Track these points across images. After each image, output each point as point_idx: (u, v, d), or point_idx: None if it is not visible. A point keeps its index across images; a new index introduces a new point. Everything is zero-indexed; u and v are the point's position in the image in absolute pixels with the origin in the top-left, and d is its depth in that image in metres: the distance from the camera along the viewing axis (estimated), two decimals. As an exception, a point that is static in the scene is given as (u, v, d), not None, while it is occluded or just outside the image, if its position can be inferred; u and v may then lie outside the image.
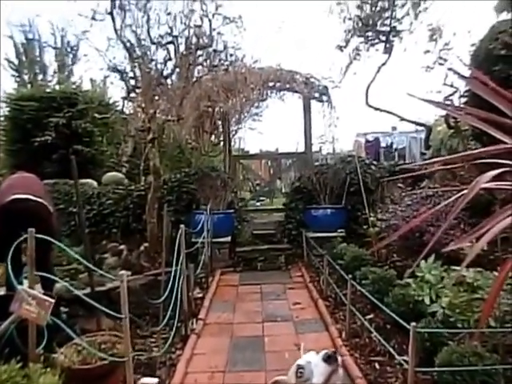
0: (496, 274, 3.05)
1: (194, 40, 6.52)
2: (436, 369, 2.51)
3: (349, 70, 8.70)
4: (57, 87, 11.84)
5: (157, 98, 6.46)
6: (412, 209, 4.80)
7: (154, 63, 6.56)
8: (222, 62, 6.99)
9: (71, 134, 8.11)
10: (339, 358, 1.51)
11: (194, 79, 6.65)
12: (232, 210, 7.05)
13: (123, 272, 2.60)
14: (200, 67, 6.95)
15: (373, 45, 8.53)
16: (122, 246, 5.99)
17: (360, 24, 8.28)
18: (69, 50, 15.48)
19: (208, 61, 6.88)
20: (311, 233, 6.60)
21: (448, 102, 7.43)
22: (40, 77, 15.70)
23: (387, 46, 8.41)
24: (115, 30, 6.19)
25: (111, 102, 10.46)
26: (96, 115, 8.43)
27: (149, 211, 6.13)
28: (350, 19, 8.35)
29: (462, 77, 2.77)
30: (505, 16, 6.08)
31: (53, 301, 2.16)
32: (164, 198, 6.66)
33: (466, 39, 9.70)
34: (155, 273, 5.01)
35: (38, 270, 2.49)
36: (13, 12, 19.39)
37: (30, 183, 3.66)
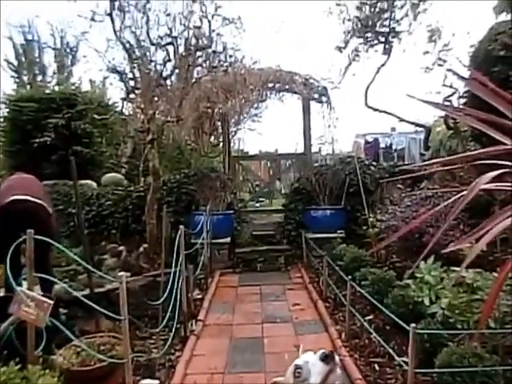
0: (495, 274, 3.05)
1: (194, 41, 6.52)
2: (436, 370, 2.51)
3: (348, 70, 8.72)
4: (56, 88, 11.83)
5: (156, 98, 6.45)
6: (411, 210, 4.80)
7: (153, 64, 6.55)
8: (222, 63, 6.99)
9: (70, 135, 8.10)
10: (336, 358, 1.51)
11: (194, 80, 6.65)
12: (231, 211, 7.04)
13: (122, 273, 2.60)
14: (199, 68, 6.95)
15: (372, 46, 8.54)
16: (121, 247, 5.98)
17: (359, 25, 8.29)
18: (68, 50, 15.50)
19: (207, 62, 6.88)
20: (311, 234, 6.60)
21: (447, 103, 7.45)
22: (39, 78, 15.72)
23: (386, 46, 8.42)
24: (114, 31, 6.19)
25: (110, 102, 10.46)
26: (95, 116, 8.42)
27: (148, 212, 6.13)
28: (349, 20, 8.37)
29: (462, 78, 2.77)
30: (504, 17, 6.10)
31: (52, 302, 2.16)
32: (163, 199, 6.65)
33: (465, 40, 9.77)
34: (154, 274, 5.01)
35: (37, 271, 2.48)
36: (12, 13, 19.37)
37: (29, 184, 3.65)
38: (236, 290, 5.50)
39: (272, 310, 4.61)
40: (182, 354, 3.44)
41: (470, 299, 2.98)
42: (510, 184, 1.43)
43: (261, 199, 10.90)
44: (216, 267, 6.37)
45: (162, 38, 6.49)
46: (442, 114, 7.55)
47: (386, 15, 8.18)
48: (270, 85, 7.82)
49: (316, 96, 8.04)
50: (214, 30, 6.54)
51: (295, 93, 7.91)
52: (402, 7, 8.11)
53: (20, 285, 2.52)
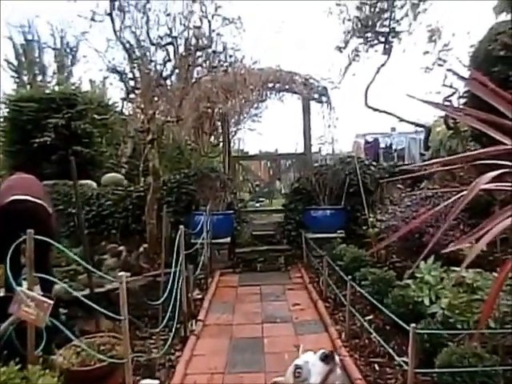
0: (495, 274, 3.05)
1: (194, 41, 6.52)
2: (436, 370, 2.51)
3: (348, 70, 8.72)
4: (56, 88, 11.83)
5: (156, 98, 6.45)
6: (411, 210, 4.80)
7: (153, 64, 6.55)
8: (222, 63, 6.99)
9: (70, 135, 8.10)
10: (336, 358, 1.51)
11: (194, 80, 6.65)
12: (231, 211, 7.04)
13: (122, 273, 2.59)
14: (199, 68, 6.95)
15: (372, 46, 8.54)
16: (121, 247, 5.98)
17: (359, 25, 8.29)
18: (68, 50, 15.50)
19: (207, 62, 6.88)
20: (311, 234, 6.60)
21: (447, 103, 7.45)
22: (39, 78, 15.72)
23: (386, 47, 8.42)
24: (114, 31, 6.19)
25: (110, 102, 10.45)
26: (95, 116, 8.42)
27: (148, 212, 6.13)
28: (349, 20, 8.37)
29: (462, 78, 2.77)
30: (504, 17, 6.10)
31: (52, 302, 2.16)
32: (163, 199, 6.65)
33: (465, 40, 9.77)
34: (154, 274, 5.01)
35: (37, 271, 2.48)
36: (12, 13, 19.36)
37: (29, 184, 3.65)
38: (236, 290, 5.50)
39: (272, 310, 4.61)
40: (181, 354, 3.44)
41: (469, 299, 2.98)
42: (510, 184, 1.43)
43: (261, 199, 10.90)
44: (216, 267, 6.37)
45: (161, 38, 6.49)
46: (442, 114, 7.55)
47: (386, 15, 8.19)
48: (270, 85, 7.82)
49: (316, 96, 8.04)
50: (213, 30, 6.55)
51: (295, 93, 7.91)
52: (402, 7, 8.11)
53: (20, 285, 2.52)
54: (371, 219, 5.73)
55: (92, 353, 2.58)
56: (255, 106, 8.57)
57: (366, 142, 15.17)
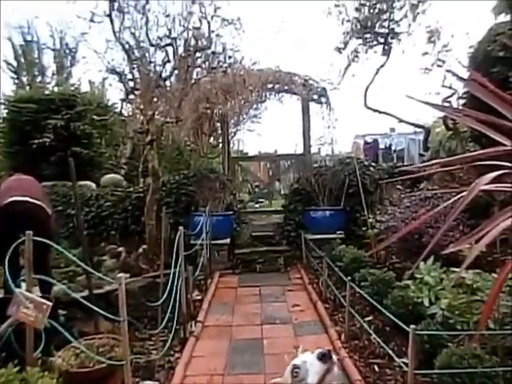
0: (495, 275, 3.05)
1: (193, 42, 6.52)
2: (436, 371, 2.51)
3: (347, 71, 8.74)
4: (55, 89, 11.84)
5: (155, 99, 6.45)
6: (411, 210, 4.80)
7: (152, 65, 6.56)
8: (221, 63, 7.00)
9: (69, 136, 8.10)
10: (334, 357, 1.51)
11: (193, 81, 6.65)
12: (231, 212, 7.04)
13: (121, 274, 2.59)
14: (199, 69, 6.95)
15: (371, 47, 8.56)
16: (120, 248, 5.98)
17: (358, 26, 8.31)
18: (67, 51, 15.49)
19: (207, 63, 6.88)
20: (310, 234, 6.59)
21: (446, 104, 7.46)
22: (38, 79, 15.71)
23: (385, 48, 8.44)
24: (114, 32, 6.19)
25: (110, 103, 10.46)
26: (94, 117, 8.42)
27: (147, 213, 6.12)
28: (348, 21, 8.38)
29: (461, 79, 2.77)
30: (503, 18, 6.11)
31: (50, 304, 2.15)
32: (163, 200, 6.64)
33: (465, 41, 9.80)
34: (154, 275, 5.00)
35: (36, 272, 2.48)
36: (11, 14, 19.38)
37: (28, 185, 3.65)
38: (235, 291, 5.49)
39: (271, 311, 4.61)
40: (181, 355, 3.43)
41: (469, 300, 2.97)
42: (509, 185, 1.42)
43: (260, 200, 10.90)
44: (215, 268, 6.36)
45: (161, 39, 6.50)
46: (442, 114, 7.56)
47: (385, 16, 8.20)
48: (270, 86, 7.82)
49: (315, 97, 8.04)
50: (213, 31, 6.55)
51: (294, 94, 7.91)
52: (401, 8, 8.14)
53: (19, 286, 2.51)
54: (371, 220, 5.73)
55: (91, 354, 2.57)
56: (254, 106, 8.57)
57: (366, 143, 15.19)
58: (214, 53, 6.79)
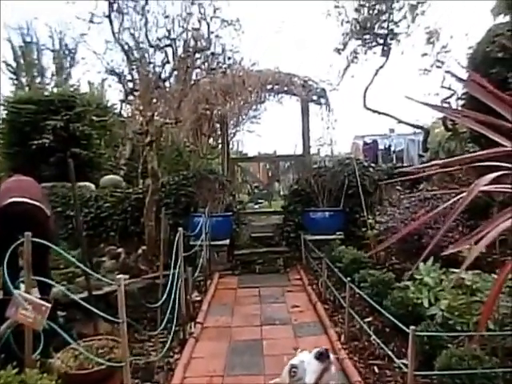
0: (495, 276, 3.05)
1: (192, 43, 6.54)
2: (435, 372, 2.50)
3: (347, 72, 8.74)
4: (55, 90, 11.83)
5: (155, 100, 6.46)
6: (410, 211, 4.80)
7: (151, 66, 6.57)
8: (220, 64, 7.01)
9: (69, 137, 8.09)
10: (331, 356, 1.51)
11: (192, 82, 6.66)
12: (230, 213, 7.03)
13: (121, 276, 2.58)
14: (198, 70, 6.96)
15: (370, 48, 8.57)
16: (119, 249, 5.97)
17: (358, 27, 8.31)
18: (67, 52, 15.48)
19: (206, 64, 6.90)
20: (309, 235, 6.59)
21: (445, 105, 7.46)
22: (38, 80, 15.70)
23: (385, 48, 8.44)
24: (113, 33, 6.20)
25: (109, 104, 10.46)
26: (94, 118, 8.41)
27: (147, 214, 6.12)
28: (347, 22, 8.39)
29: (460, 79, 2.78)
30: (502, 19, 6.11)
31: (49, 305, 2.14)
32: (162, 201, 6.64)
33: (463, 42, 9.81)
34: (153, 276, 4.99)
35: (35, 274, 2.47)
36: (11, 15, 19.38)
37: (27, 186, 3.64)
38: (235, 292, 5.48)
39: (271, 312, 4.60)
40: (180, 356, 3.42)
41: (469, 301, 2.97)
42: (509, 186, 1.42)
43: (260, 201, 10.91)
44: (215, 269, 6.35)
45: (160, 40, 6.52)
46: (441, 115, 7.57)
47: (385, 17, 8.21)
48: (269, 87, 7.82)
49: (315, 98, 8.04)
50: (212, 32, 6.57)
51: (294, 95, 7.91)
52: (400, 9, 8.14)
53: (18, 288, 2.50)
54: (370, 221, 5.73)
55: (90, 356, 2.56)
56: (254, 107, 8.57)
57: (365, 144, 15.19)
58: (213, 54, 6.81)
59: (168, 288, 3.47)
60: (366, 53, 8.62)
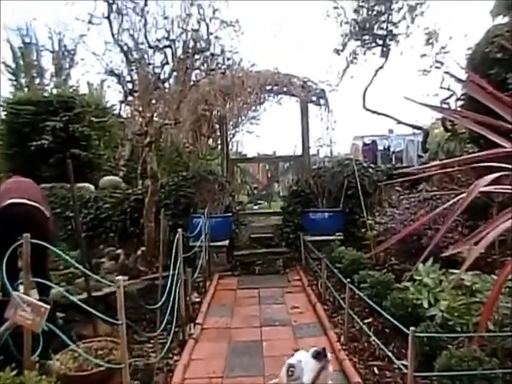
0: (494, 277, 3.05)
1: (192, 44, 6.53)
2: (435, 373, 2.50)
3: (346, 73, 8.75)
4: (54, 91, 11.82)
5: (154, 101, 6.45)
6: (410, 212, 4.80)
7: (151, 67, 6.56)
8: (220, 65, 7.00)
9: (68, 138, 8.08)
10: (329, 355, 1.52)
11: (192, 83, 6.65)
12: (230, 214, 7.03)
13: (120, 277, 2.57)
14: (197, 71, 6.96)
15: (369, 48, 8.57)
16: (119, 251, 5.96)
17: (357, 28, 8.32)
18: (66, 53, 15.47)
19: (205, 64, 6.89)
20: (309, 236, 6.59)
21: (445, 106, 7.48)
22: (37, 80, 15.69)
23: (384, 49, 8.45)
24: (112, 34, 6.20)
25: (108, 105, 10.46)
26: (93, 119, 8.41)
27: (146, 215, 6.11)
28: (346, 23, 8.40)
29: (459, 80, 2.78)
30: (500, 20, 6.13)
31: (48, 307, 2.14)
32: (161, 202, 6.64)
33: (463, 43, 9.81)
34: (153, 277, 4.99)
35: (35, 275, 2.47)
36: (10, 16, 19.37)
37: (26, 187, 3.64)
38: (234, 293, 5.48)
39: (271, 313, 4.59)
40: (180, 358, 3.42)
41: (468, 302, 2.97)
42: (508, 186, 1.42)
43: (259, 202, 10.90)
44: (214, 270, 6.35)
45: (159, 41, 6.51)
46: (440, 116, 7.58)
47: (384, 18, 8.22)
48: (268, 87, 7.83)
49: (314, 98, 8.05)
50: (211, 33, 6.56)
51: (293, 95, 7.92)
52: (399, 10, 8.15)
53: (17, 289, 2.50)
54: (370, 221, 5.73)
55: (89, 358, 2.56)
56: (253, 108, 8.58)
57: (364, 144, 15.22)
58: (212, 55, 6.80)
59: (167, 289, 3.46)
60: (365, 53, 8.63)
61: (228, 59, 7.02)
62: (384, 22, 8.25)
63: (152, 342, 3.64)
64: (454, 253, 2.81)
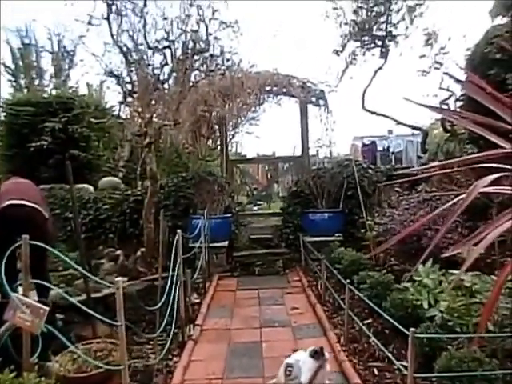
0: (494, 277, 3.05)
1: (191, 45, 6.53)
2: (435, 374, 2.50)
3: (345, 74, 8.76)
4: (53, 92, 11.82)
5: (153, 102, 6.45)
6: (409, 213, 4.80)
7: (150, 68, 6.56)
8: (219, 66, 7.00)
9: (67, 139, 8.07)
10: (326, 354, 1.51)
11: (191, 84, 6.65)
12: (229, 215, 7.03)
13: (119, 278, 2.57)
14: (197, 72, 6.96)
15: (369, 49, 8.59)
16: (118, 252, 5.95)
17: (356, 29, 8.33)
18: (65, 54, 15.47)
19: (205, 65, 6.89)
20: (309, 237, 6.59)
21: (444, 106, 7.48)
22: (36, 81, 15.68)
23: (383, 50, 8.47)
24: (112, 35, 6.19)
25: (108, 106, 10.45)
26: (92, 120, 8.40)
27: (145, 216, 6.10)
28: (346, 24, 8.41)
29: (458, 81, 2.78)
30: (499, 20, 6.14)
31: (47, 309, 2.13)
32: (161, 203, 6.63)
33: (462, 43, 9.83)
34: (152, 278, 4.98)
35: (34, 276, 2.46)
36: (10, 17, 19.36)
37: (25, 189, 3.63)
38: (234, 294, 5.47)
39: (270, 314, 4.59)
40: (179, 359, 3.41)
41: (468, 302, 2.97)
42: (508, 187, 1.42)
43: (259, 202, 10.90)
44: (214, 271, 6.34)
45: (159, 42, 6.50)
46: (439, 117, 7.58)
47: (383, 19, 8.23)
48: (268, 88, 7.84)
49: (313, 99, 8.06)
50: (211, 34, 6.56)
51: (293, 96, 7.92)
52: (398, 11, 8.17)
53: (16, 291, 2.49)
54: (369, 222, 5.72)
55: (88, 359, 2.55)
56: (253, 109, 8.59)
57: (364, 145, 15.22)
58: (212, 55, 6.80)
59: (167, 290, 3.45)
60: (364, 54, 8.64)
61: (227, 60, 7.02)
62: (383, 22, 8.26)
63: (151, 343, 3.64)
64: (454, 253, 2.82)
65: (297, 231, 6.92)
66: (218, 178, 7.24)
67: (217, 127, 8.71)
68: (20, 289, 2.50)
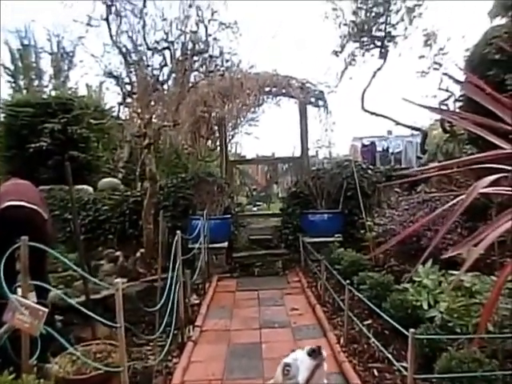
0: (494, 278, 3.05)
1: (190, 46, 6.54)
2: (435, 375, 2.49)
3: (344, 74, 8.78)
4: (52, 93, 11.82)
5: (153, 103, 6.45)
6: (409, 213, 4.80)
7: (149, 69, 6.56)
8: (218, 67, 7.01)
9: (67, 140, 8.07)
10: (324, 353, 1.52)
11: (190, 85, 6.66)
12: (229, 216, 7.02)
13: (118, 280, 2.56)
14: (196, 73, 6.97)
15: (368, 50, 8.61)
16: (117, 253, 5.94)
17: (355, 29, 8.35)
18: (65, 55, 15.47)
19: (204, 66, 6.90)
20: (308, 238, 6.58)
21: (443, 107, 7.49)
22: (36, 82, 15.69)
23: (382, 51, 8.48)
24: (111, 36, 6.19)
25: (107, 107, 10.45)
26: (92, 121, 8.39)
27: (145, 217, 6.10)
28: (345, 25, 8.43)
29: (457, 81, 2.79)
30: (498, 21, 6.16)
31: (46, 310, 2.13)
32: (160, 204, 6.63)
33: (461, 44, 9.86)
34: (151, 279, 4.97)
35: (33, 278, 2.45)
36: (9, 17, 19.36)
37: (24, 190, 3.62)
38: (234, 295, 5.47)
39: (270, 315, 4.58)
40: (179, 360, 3.41)
41: (468, 303, 2.97)
42: (508, 188, 1.42)
43: (258, 203, 10.89)
44: (214, 272, 6.33)
45: (158, 43, 6.51)
46: (439, 117, 7.60)
47: (382, 20, 8.25)
48: (267, 89, 7.84)
49: (313, 100, 8.06)
50: (210, 35, 6.57)
51: (292, 97, 7.92)
52: (397, 12, 8.19)
53: (15, 292, 2.48)
54: (369, 223, 5.72)
55: (88, 361, 2.54)
56: (252, 110, 8.59)
57: (363, 146, 15.24)
58: (211, 56, 6.81)
59: (166, 291, 3.45)
60: (363, 55, 8.67)
61: (227, 61, 7.04)
62: (382, 23, 8.28)
63: (151, 344, 3.63)
64: (454, 254, 2.81)
65: (296, 232, 6.92)
66: (217, 179, 7.24)
67: (216, 128, 8.71)
68: (19, 290, 2.49)
